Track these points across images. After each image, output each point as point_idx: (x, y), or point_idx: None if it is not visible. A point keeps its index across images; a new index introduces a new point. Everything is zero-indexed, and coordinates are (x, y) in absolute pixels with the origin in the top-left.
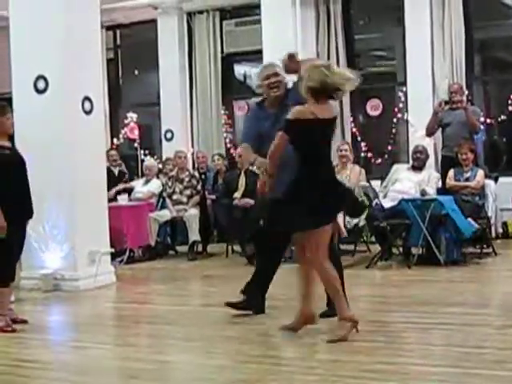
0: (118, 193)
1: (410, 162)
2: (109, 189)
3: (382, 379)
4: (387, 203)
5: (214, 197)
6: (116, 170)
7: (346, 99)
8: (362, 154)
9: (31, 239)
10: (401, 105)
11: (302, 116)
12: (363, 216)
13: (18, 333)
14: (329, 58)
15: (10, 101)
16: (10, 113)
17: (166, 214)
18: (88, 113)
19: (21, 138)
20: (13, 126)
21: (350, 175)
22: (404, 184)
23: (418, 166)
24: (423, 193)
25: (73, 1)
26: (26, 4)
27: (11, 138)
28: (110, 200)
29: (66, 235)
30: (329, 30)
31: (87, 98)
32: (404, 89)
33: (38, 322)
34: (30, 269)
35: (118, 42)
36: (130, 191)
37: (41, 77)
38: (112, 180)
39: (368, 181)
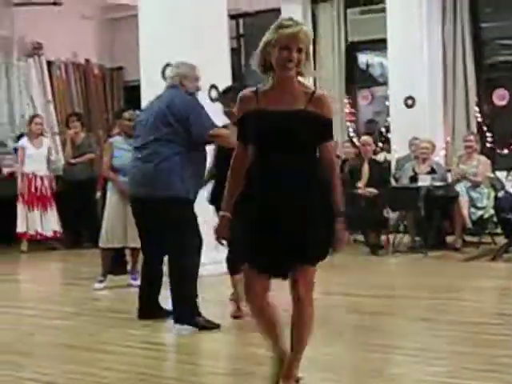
0: None
1: None
2: None
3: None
4: None
5: None
6: None
7: (472, 89)
8: (488, 145)
9: None
10: None
11: None
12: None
13: None
14: (455, 47)
15: (138, 88)
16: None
17: None
18: (214, 101)
19: None
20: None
21: (478, 166)
22: None
23: None
24: None
25: None
26: None
27: None
28: None
29: None
30: (455, 17)
31: (213, 86)
32: None
33: None
34: None
35: (241, 31)
36: None
37: (169, 65)
38: None
39: (493, 171)
